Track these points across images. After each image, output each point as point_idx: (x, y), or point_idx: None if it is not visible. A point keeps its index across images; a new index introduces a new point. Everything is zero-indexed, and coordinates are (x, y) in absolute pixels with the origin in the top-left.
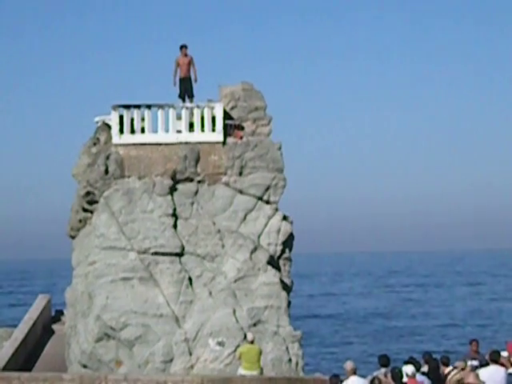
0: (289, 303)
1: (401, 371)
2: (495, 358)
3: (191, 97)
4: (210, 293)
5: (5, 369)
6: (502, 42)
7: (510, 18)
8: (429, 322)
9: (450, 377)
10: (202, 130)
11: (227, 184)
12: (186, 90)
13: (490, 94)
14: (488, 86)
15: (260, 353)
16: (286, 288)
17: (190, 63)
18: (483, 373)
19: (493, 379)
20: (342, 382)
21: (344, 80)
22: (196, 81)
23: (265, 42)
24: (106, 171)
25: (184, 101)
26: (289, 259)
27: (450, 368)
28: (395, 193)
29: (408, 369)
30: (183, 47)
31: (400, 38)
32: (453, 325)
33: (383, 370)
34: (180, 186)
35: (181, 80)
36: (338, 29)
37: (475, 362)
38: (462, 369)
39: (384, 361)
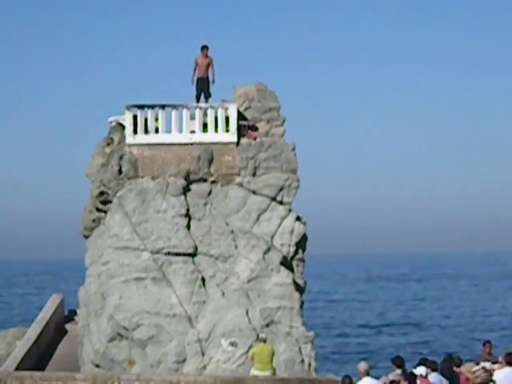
0: (302, 304)
1: (413, 373)
2: (511, 361)
3: (208, 97)
4: (223, 293)
5: (18, 368)
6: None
7: None
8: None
9: (476, 374)
10: (216, 130)
11: (241, 184)
12: (202, 90)
13: (495, 97)
14: (492, 90)
15: (272, 353)
16: (299, 289)
17: (209, 64)
18: (498, 374)
19: (508, 381)
20: (354, 383)
21: (357, 80)
22: (214, 82)
23: (280, 42)
24: (120, 171)
25: (199, 101)
26: (302, 260)
27: (478, 367)
28: (409, 192)
29: (421, 370)
30: (204, 48)
31: (412, 41)
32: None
33: (398, 371)
34: (193, 187)
35: (198, 80)
36: (352, 30)
37: (488, 364)
38: (488, 370)
39: (399, 362)
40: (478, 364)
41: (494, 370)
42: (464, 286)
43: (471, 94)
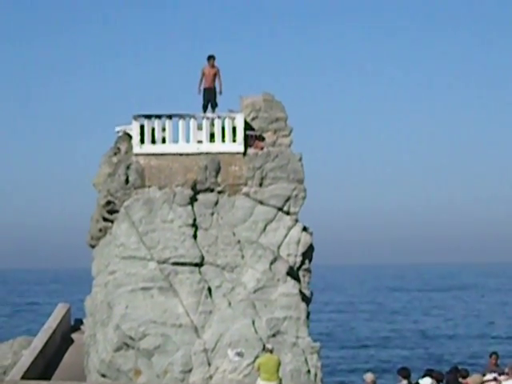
0: (308, 314)
1: None
2: None
3: (215, 107)
4: (230, 303)
5: (24, 377)
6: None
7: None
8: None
9: None
10: (223, 140)
11: (247, 195)
12: (209, 100)
13: (495, 101)
14: (493, 92)
15: (279, 364)
16: (306, 299)
17: (216, 74)
18: None
19: None
20: None
21: (364, 91)
22: (221, 93)
23: (287, 52)
24: (127, 181)
25: (206, 111)
26: (308, 270)
27: (490, 377)
28: (415, 202)
29: (425, 381)
30: (211, 58)
31: (415, 45)
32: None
33: (404, 382)
34: (200, 197)
35: (205, 90)
36: (360, 39)
37: (495, 375)
38: (499, 382)
39: (405, 373)
40: (484, 375)
41: (501, 381)
42: (471, 297)
43: (471, 104)
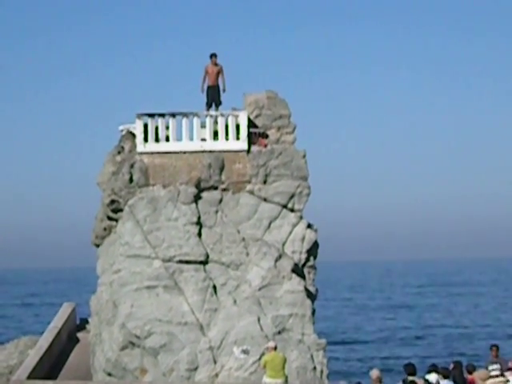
0: (313, 311)
1: (413, 382)
2: None
3: (218, 105)
4: (235, 301)
5: (30, 377)
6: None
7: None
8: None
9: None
10: (227, 138)
11: (251, 192)
12: (213, 98)
13: (496, 99)
14: (493, 91)
15: (285, 361)
16: (311, 296)
17: (220, 72)
18: None
19: None
20: None
21: (368, 86)
22: (224, 91)
23: (290, 49)
24: (131, 179)
25: (210, 109)
26: (313, 267)
27: (496, 372)
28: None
29: (432, 377)
30: (213, 56)
31: (425, 47)
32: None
33: (410, 378)
34: (204, 195)
35: (209, 88)
36: (363, 36)
37: (496, 366)
38: (507, 380)
39: (410, 369)
40: (487, 368)
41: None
42: (477, 293)
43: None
